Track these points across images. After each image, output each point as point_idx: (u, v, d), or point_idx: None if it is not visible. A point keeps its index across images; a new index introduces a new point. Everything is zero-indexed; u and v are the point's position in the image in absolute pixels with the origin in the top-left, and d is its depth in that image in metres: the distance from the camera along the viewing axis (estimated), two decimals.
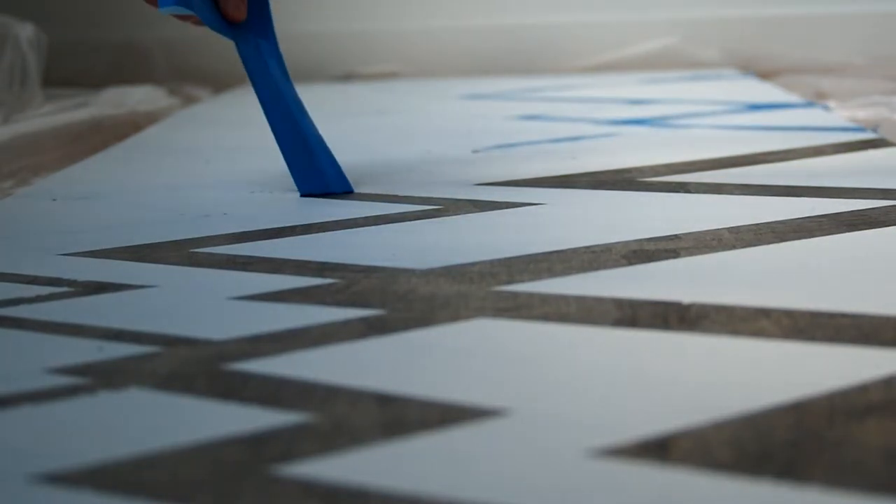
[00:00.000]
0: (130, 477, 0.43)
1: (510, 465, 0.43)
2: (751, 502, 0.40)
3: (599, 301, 0.62)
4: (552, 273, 0.68)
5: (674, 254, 0.71)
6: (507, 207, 0.86)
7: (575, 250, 0.73)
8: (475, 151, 1.11)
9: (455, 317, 0.61)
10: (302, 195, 0.93)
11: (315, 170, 0.94)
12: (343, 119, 1.45)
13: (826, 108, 1.41)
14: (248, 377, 0.53)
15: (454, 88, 1.73)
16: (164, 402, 0.51)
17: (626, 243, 0.74)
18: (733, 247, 0.72)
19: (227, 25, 0.93)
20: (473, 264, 0.70)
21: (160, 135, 1.40)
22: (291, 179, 0.94)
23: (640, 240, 0.74)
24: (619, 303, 0.62)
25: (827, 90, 1.63)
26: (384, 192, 0.93)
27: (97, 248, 0.78)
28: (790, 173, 0.96)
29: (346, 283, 0.67)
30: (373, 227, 0.82)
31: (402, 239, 0.78)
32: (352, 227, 0.82)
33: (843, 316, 0.58)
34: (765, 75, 1.84)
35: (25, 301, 0.67)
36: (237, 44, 0.93)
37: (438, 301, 0.63)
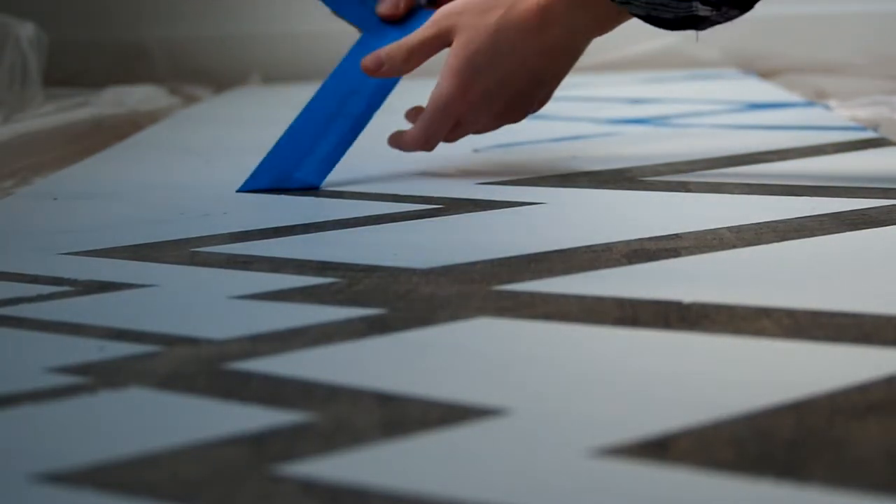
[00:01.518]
0: (130, 477, 0.43)
1: (510, 465, 0.43)
2: (751, 502, 0.40)
3: (600, 300, 0.62)
4: (553, 272, 0.68)
5: (674, 253, 0.71)
6: (507, 207, 0.86)
7: (575, 250, 0.73)
8: (476, 151, 1.11)
9: (456, 316, 0.61)
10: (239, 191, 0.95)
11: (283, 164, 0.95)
12: None
13: (827, 107, 1.41)
14: (248, 377, 0.53)
15: None
16: (165, 401, 0.51)
17: (627, 242, 0.74)
18: (734, 246, 0.72)
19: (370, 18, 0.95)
20: (474, 264, 0.70)
21: (161, 134, 1.40)
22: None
23: (641, 239, 0.74)
24: (620, 302, 0.61)
25: (828, 89, 1.63)
26: (385, 192, 0.93)
27: (98, 248, 0.78)
28: (791, 173, 0.96)
29: (347, 283, 0.67)
30: (373, 227, 0.82)
31: (402, 238, 0.78)
32: (352, 227, 0.82)
33: (844, 315, 0.58)
34: (765, 74, 1.84)
35: (26, 300, 0.67)
36: (364, 33, 0.95)
37: (439, 300, 0.63)
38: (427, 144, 0.97)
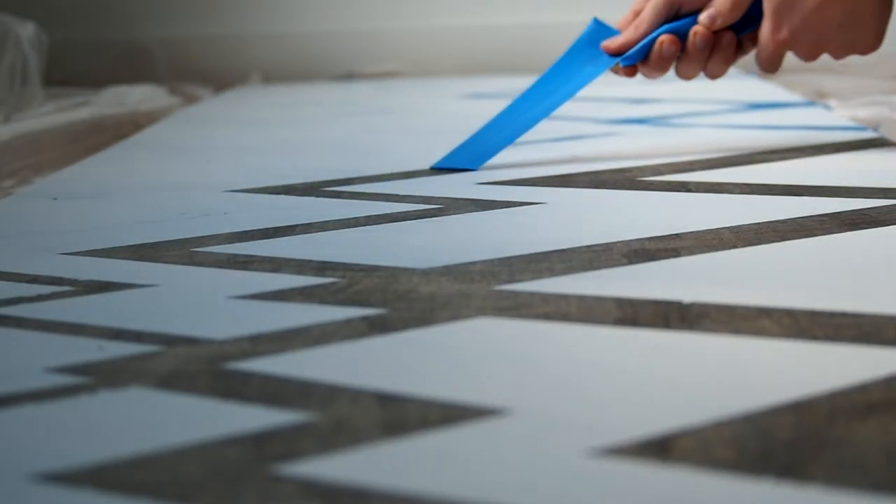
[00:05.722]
0: (130, 477, 0.43)
1: (510, 465, 0.43)
2: (751, 502, 0.40)
3: (600, 300, 0.62)
4: (553, 272, 0.68)
5: (675, 253, 0.71)
6: (507, 207, 0.86)
7: (576, 249, 0.73)
8: None
9: (456, 316, 0.61)
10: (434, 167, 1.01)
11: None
12: (345, 118, 1.45)
13: (827, 107, 1.41)
14: (248, 376, 0.53)
15: (454, 88, 1.73)
16: (165, 401, 0.51)
17: (627, 242, 0.74)
18: (734, 246, 0.72)
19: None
20: (474, 263, 0.70)
21: (161, 134, 1.40)
22: (295, 177, 0.95)
23: (641, 239, 0.74)
24: (620, 302, 0.61)
25: (828, 89, 1.63)
26: (385, 192, 0.93)
27: (98, 248, 0.78)
28: (791, 172, 0.96)
29: (347, 283, 0.67)
30: (374, 227, 0.82)
31: (402, 238, 0.78)
32: (352, 227, 0.82)
33: (844, 315, 0.58)
34: (766, 74, 1.83)
35: (26, 300, 0.67)
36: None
37: (439, 300, 0.63)
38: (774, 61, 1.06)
